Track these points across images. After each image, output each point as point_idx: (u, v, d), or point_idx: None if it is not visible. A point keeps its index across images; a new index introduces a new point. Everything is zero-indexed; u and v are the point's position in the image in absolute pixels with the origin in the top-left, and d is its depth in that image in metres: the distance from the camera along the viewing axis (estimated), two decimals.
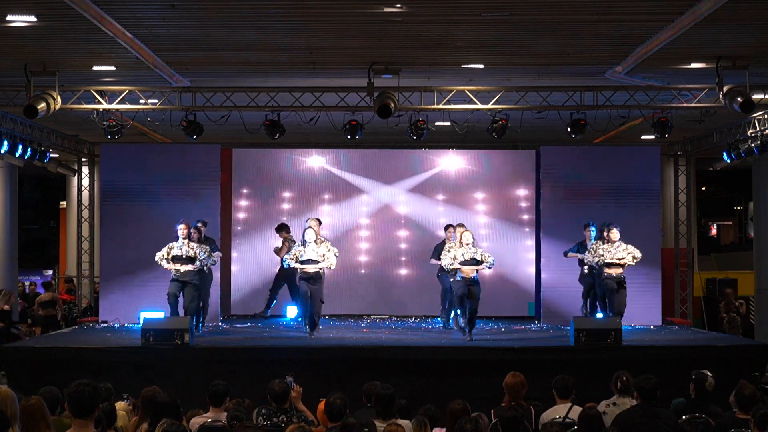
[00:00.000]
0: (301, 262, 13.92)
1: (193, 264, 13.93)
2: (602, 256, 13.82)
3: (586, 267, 14.80)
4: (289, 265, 14.13)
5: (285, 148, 18.04)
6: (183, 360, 12.65)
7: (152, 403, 7.27)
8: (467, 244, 13.65)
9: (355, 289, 17.91)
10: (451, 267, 13.65)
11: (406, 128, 14.98)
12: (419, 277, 17.85)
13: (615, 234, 13.83)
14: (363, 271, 18.05)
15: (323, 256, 13.92)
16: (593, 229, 14.76)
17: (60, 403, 6.90)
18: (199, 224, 14.78)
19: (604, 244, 13.98)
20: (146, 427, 7.06)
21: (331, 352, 13.09)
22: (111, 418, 7.46)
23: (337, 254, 14.22)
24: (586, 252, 14.46)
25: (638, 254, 13.86)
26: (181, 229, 14.00)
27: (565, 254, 15.36)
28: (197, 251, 13.99)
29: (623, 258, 13.78)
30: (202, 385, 8.44)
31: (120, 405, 8.20)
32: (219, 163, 16.80)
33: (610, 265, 13.81)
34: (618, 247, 13.83)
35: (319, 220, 15.10)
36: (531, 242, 17.89)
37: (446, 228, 15.51)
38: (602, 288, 14.14)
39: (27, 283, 21.19)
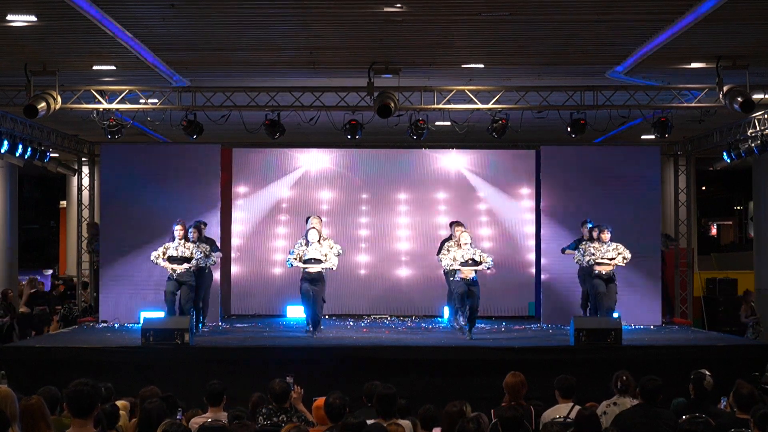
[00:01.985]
0: (304, 262, 13.93)
1: (189, 263, 13.92)
2: (593, 255, 14.16)
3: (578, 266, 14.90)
4: (292, 265, 14.12)
5: (285, 147, 18.04)
6: (183, 360, 12.65)
7: (141, 408, 7.27)
8: (465, 245, 13.80)
9: (355, 289, 17.90)
10: (451, 268, 13.79)
11: (406, 128, 14.98)
12: (419, 276, 17.86)
13: (606, 235, 14.20)
14: (363, 271, 18.04)
15: (326, 255, 13.93)
16: (590, 225, 14.86)
17: (60, 403, 6.89)
18: (200, 225, 14.77)
19: (594, 243, 14.31)
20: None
21: (331, 351, 13.10)
22: (113, 419, 7.45)
23: (341, 252, 14.28)
24: (576, 252, 14.67)
25: (628, 255, 14.24)
26: (178, 230, 14.00)
27: (563, 251, 15.44)
28: (194, 251, 13.97)
29: (614, 258, 14.14)
30: (202, 385, 8.44)
31: (120, 404, 8.19)
32: (219, 163, 16.79)
33: (600, 264, 14.15)
34: (608, 246, 14.15)
35: (320, 218, 15.06)
36: (531, 242, 17.89)
37: (451, 225, 15.46)
38: (592, 285, 14.38)
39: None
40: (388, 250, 18.11)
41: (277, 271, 17.72)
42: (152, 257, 13.97)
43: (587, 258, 14.21)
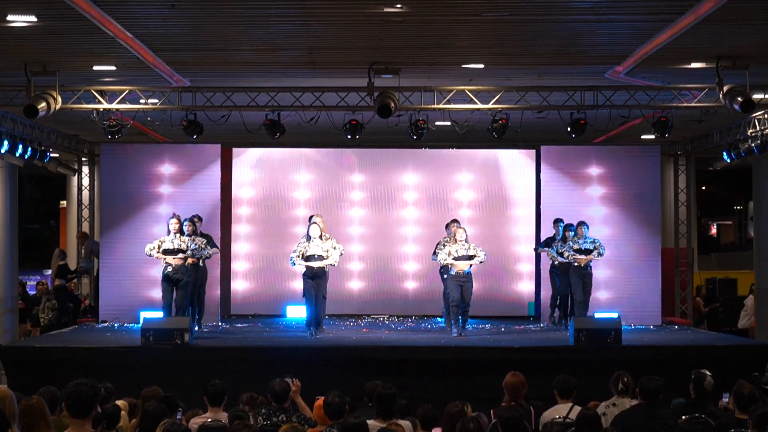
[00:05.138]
0: (306, 258, 13.94)
1: (184, 254, 13.87)
2: (571, 247, 14.76)
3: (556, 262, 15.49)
4: (295, 264, 14.13)
5: (285, 147, 18.04)
6: (183, 360, 12.66)
7: (144, 410, 7.28)
8: (461, 241, 14.07)
9: (355, 289, 17.91)
10: (446, 262, 14.17)
11: (406, 128, 14.98)
12: (419, 276, 17.85)
13: (582, 230, 14.81)
14: (363, 271, 18.03)
15: (327, 252, 13.95)
16: (562, 225, 15.45)
17: (60, 403, 6.89)
18: (195, 218, 14.74)
19: (568, 241, 14.94)
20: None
21: (331, 352, 13.11)
22: (114, 419, 7.45)
23: (342, 253, 14.31)
24: (548, 250, 15.44)
25: (603, 250, 14.77)
26: (173, 223, 13.98)
27: (535, 250, 15.70)
28: (189, 244, 13.94)
29: (591, 251, 14.70)
30: (202, 385, 8.43)
31: (120, 404, 8.19)
32: (219, 163, 16.80)
33: (578, 251, 14.72)
34: (587, 240, 14.75)
35: (322, 217, 15.07)
36: (531, 242, 17.88)
37: (447, 225, 15.59)
38: (570, 277, 14.94)
39: (26, 284, 21.14)
40: (389, 249, 18.09)
41: (277, 270, 17.69)
42: (146, 250, 13.93)
43: (567, 254, 14.73)
